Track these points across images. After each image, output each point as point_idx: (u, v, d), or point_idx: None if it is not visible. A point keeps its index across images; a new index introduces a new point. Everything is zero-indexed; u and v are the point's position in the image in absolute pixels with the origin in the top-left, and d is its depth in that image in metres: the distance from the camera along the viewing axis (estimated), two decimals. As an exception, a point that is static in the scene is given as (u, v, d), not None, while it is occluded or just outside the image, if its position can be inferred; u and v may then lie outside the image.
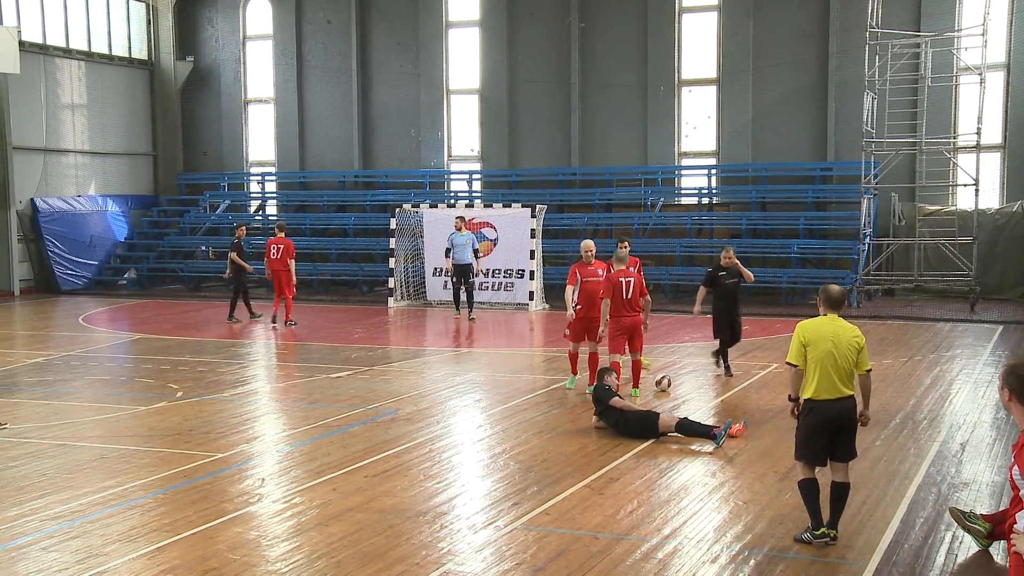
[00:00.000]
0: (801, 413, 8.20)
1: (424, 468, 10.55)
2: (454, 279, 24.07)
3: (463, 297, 24.04)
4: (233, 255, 23.37)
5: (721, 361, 15.70)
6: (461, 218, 24.29)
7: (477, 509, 9.21)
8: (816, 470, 8.19)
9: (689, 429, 11.62)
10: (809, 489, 8.15)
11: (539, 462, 10.73)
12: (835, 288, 8.32)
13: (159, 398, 14.19)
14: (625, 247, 15.44)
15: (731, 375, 15.51)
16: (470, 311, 23.90)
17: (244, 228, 24.58)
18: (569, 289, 14.41)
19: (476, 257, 24.01)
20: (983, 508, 8.95)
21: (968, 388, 14.85)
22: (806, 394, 8.11)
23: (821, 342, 8.01)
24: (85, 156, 32.59)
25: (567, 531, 8.50)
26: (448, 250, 24.04)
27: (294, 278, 22.56)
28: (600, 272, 14.16)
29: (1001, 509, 8.58)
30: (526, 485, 9.86)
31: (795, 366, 8.16)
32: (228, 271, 23.64)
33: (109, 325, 23.59)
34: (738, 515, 8.97)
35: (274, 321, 22.49)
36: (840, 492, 8.16)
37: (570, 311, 14.37)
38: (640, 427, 11.68)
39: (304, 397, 14.53)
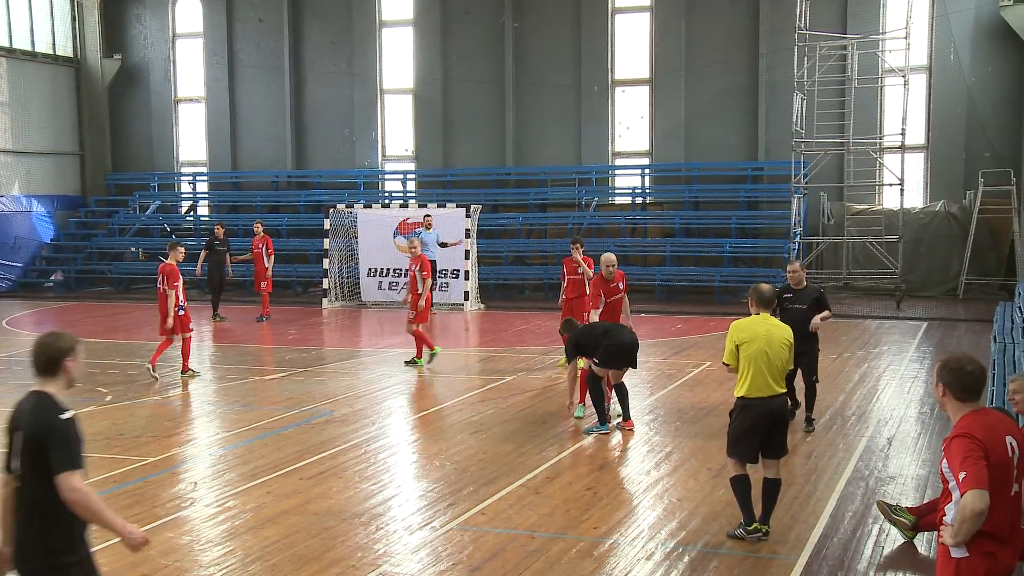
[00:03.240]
0: (734, 410, 8.30)
1: (359, 470, 10.50)
2: None
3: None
4: (204, 252, 23.88)
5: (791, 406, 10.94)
6: (429, 216, 24.65)
7: (413, 510, 9.19)
8: (747, 467, 8.31)
9: (621, 396, 12.00)
10: (741, 485, 8.26)
11: (475, 462, 10.74)
12: (765, 287, 8.44)
13: (87, 402, 13.90)
14: (578, 248, 15.39)
15: (808, 429, 11.94)
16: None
17: (222, 227, 24.36)
18: (594, 314, 12.83)
19: (446, 247, 24.65)
20: (908, 501, 9.15)
21: (895, 384, 15.16)
22: (739, 392, 8.21)
23: (754, 341, 8.12)
24: (8, 155, 31.87)
25: (503, 531, 8.52)
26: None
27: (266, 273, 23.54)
28: (622, 286, 13.17)
29: (925, 502, 8.78)
30: (462, 485, 9.86)
31: (729, 366, 8.29)
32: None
33: (35, 328, 23.07)
34: (672, 512, 9.06)
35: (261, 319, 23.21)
36: (772, 488, 8.29)
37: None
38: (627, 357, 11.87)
39: (237, 399, 14.39)
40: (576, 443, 11.55)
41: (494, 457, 10.93)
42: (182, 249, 16.14)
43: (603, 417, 11.92)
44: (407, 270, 25.40)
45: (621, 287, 13.18)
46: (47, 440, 4.97)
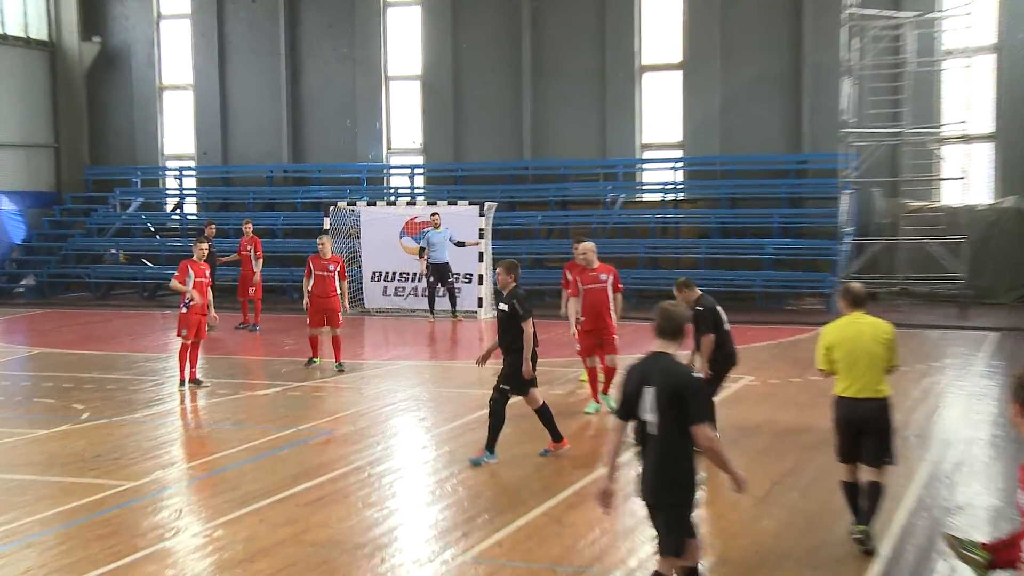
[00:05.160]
0: (832, 408, 8.87)
1: (362, 495, 10.44)
2: (431, 280, 24.45)
3: (441, 299, 24.82)
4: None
5: None
6: (437, 214, 24.83)
7: (422, 540, 9.12)
8: (853, 469, 8.78)
9: (545, 418, 11.73)
10: (844, 491, 8.84)
11: (490, 487, 10.67)
12: (857, 285, 9.02)
13: (61, 420, 13.89)
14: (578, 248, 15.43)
15: None
16: (453, 312, 24.71)
17: (213, 226, 24.39)
18: (572, 303, 14.23)
19: (463, 246, 24.66)
20: (981, 535, 8.96)
21: (961, 402, 15.01)
22: (835, 390, 8.80)
23: (843, 343, 8.69)
24: (-24, 148, 32.04)
25: (522, 564, 8.42)
26: (422, 249, 24.70)
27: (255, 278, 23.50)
28: (604, 277, 13.95)
29: (1001, 537, 8.59)
30: (476, 513, 9.78)
31: (823, 371, 8.91)
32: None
33: (3, 338, 23.14)
34: (710, 544, 8.90)
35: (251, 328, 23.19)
36: (867, 491, 8.65)
37: (572, 329, 14.32)
38: (513, 372, 11.50)
39: (227, 417, 14.36)
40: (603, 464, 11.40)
41: (512, 481, 10.86)
42: (202, 246, 16.59)
43: (493, 444, 11.54)
44: (415, 274, 25.67)
45: (603, 278, 13.84)
46: (685, 394, 6.37)
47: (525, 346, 11.35)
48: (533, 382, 11.57)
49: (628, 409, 6.58)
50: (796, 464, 11.26)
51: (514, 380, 11.45)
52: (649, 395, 6.45)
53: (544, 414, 11.74)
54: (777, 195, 28.51)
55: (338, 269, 17.74)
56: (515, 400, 14.97)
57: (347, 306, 18.13)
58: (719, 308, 11.89)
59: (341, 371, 17.39)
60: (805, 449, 11.89)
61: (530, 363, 11.42)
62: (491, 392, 11.62)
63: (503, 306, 11.59)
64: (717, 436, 6.36)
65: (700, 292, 11.93)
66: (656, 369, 6.52)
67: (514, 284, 11.64)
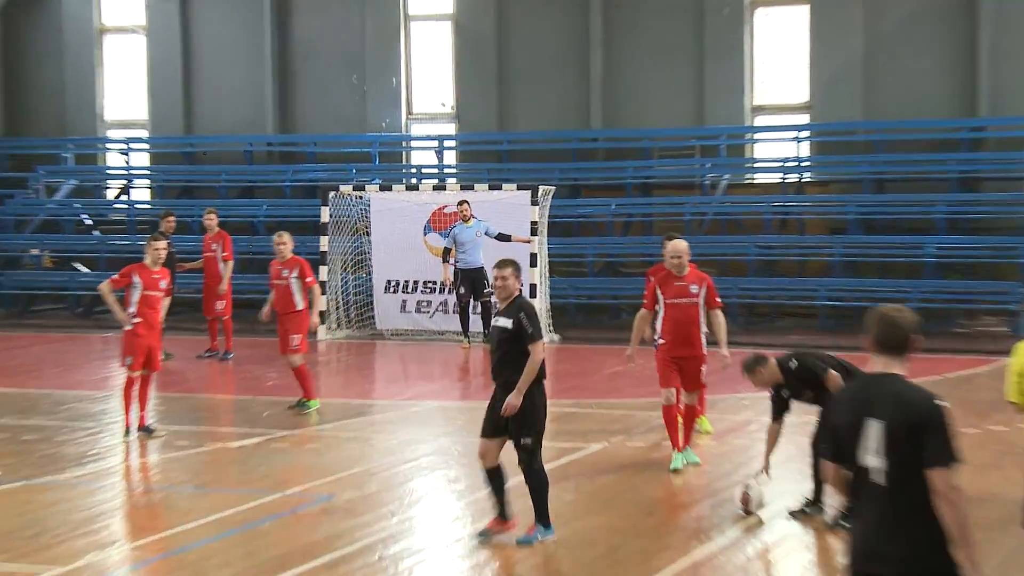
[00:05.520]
0: None
1: (371, 586, 10.33)
2: (461, 291, 24.35)
3: (477, 317, 24.51)
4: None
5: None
6: (465, 202, 24.64)
7: (453, 650, 9.02)
8: None
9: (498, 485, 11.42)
10: None
11: (545, 574, 10.64)
12: None
13: (-35, 481, 13.93)
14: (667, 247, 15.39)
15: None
16: (486, 334, 23.96)
17: (173, 219, 24.56)
18: (640, 316, 14.73)
19: (507, 241, 24.33)
20: None
21: None
22: None
23: None
24: None
25: None
26: (447, 251, 24.58)
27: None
28: (695, 289, 14.13)
29: None
30: (528, 612, 9.65)
31: (1014, 404, 9.22)
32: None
33: None
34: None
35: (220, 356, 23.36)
36: None
37: (630, 349, 14.79)
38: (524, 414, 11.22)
39: (189, 478, 14.41)
40: (700, 544, 11.33)
41: (574, 566, 10.84)
42: (158, 246, 16.39)
43: (546, 516, 11.46)
44: (441, 284, 25.60)
45: (694, 290, 14.09)
46: (926, 427, 6.25)
47: (525, 374, 11.08)
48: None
49: (839, 448, 6.46)
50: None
51: (528, 423, 11.17)
52: (874, 431, 6.32)
53: (499, 478, 11.46)
54: (943, 175, 28.30)
55: (296, 274, 17.76)
56: (573, 456, 14.86)
57: (316, 320, 18.25)
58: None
59: (302, 410, 17.50)
60: (988, 527, 11.59)
61: (522, 397, 11.08)
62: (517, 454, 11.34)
63: (504, 322, 11.29)
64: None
65: (775, 359, 12.05)
66: (882, 395, 6.39)
67: (519, 293, 11.52)
